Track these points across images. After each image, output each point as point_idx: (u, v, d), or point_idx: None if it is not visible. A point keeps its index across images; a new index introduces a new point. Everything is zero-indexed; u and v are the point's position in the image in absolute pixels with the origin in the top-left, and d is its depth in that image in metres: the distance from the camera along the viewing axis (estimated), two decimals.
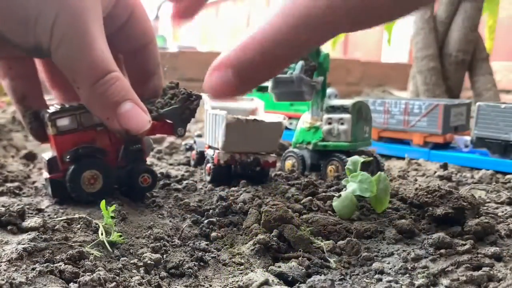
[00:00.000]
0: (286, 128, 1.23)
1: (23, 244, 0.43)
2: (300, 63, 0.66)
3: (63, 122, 0.55)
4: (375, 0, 0.41)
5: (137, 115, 0.52)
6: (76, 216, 0.51)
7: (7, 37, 0.50)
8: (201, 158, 0.81)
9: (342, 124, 0.72)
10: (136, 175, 0.60)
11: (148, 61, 0.60)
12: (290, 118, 1.23)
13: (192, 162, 0.84)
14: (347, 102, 0.74)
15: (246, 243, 0.49)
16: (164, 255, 0.45)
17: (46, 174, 0.59)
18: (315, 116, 0.75)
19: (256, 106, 0.75)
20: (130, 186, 0.60)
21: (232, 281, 0.42)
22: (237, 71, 0.43)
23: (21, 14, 0.46)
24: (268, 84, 0.69)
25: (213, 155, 0.68)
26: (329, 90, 1.29)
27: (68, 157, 0.56)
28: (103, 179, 0.57)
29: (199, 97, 0.59)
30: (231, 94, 0.45)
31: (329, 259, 0.46)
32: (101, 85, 0.49)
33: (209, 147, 0.72)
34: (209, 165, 0.70)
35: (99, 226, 0.48)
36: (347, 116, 0.72)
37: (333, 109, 0.73)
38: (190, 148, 0.91)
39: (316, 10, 0.40)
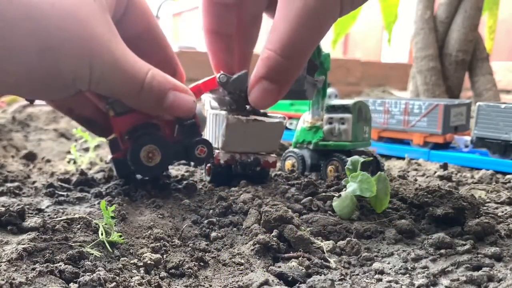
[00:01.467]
0: (286, 128, 1.23)
1: (23, 244, 0.43)
2: None
3: (120, 104, 0.58)
4: None
5: (181, 101, 0.55)
6: (76, 216, 0.51)
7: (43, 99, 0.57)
8: None
9: (343, 123, 0.72)
10: (192, 147, 0.63)
11: (155, 38, 0.61)
12: (290, 118, 1.23)
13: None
14: (348, 101, 0.74)
15: (246, 243, 0.49)
16: (164, 255, 0.45)
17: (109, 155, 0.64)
18: (315, 116, 0.75)
19: None
20: (188, 159, 0.64)
21: (232, 281, 0.42)
22: (271, 78, 0.50)
23: (58, 84, 0.48)
24: None
25: (214, 155, 0.68)
26: (329, 90, 1.29)
27: (127, 135, 0.60)
28: (161, 152, 0.61)
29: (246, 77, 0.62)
30: (274, 99, 0.52)
31: (329, 259, 0.46)
32: (142, 94, 0.52)
33: None
34: (209, 165, 0.70)
35: (99, 226, 0.48)
36: (348, 115, 0.72)
37: (334, 108, 0.73)
38: None
39: (308, 6, 0.44)
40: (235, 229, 0.53)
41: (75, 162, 0.88)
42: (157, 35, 0.61)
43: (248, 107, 0.68)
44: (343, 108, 0.73)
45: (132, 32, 0.57)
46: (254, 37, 0.63)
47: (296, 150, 0.77)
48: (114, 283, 0.38)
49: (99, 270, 0.40)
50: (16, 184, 0.66)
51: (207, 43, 0.61)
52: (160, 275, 0.42)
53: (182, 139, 0.63)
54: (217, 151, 0.68)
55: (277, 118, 0.68)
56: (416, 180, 0.80)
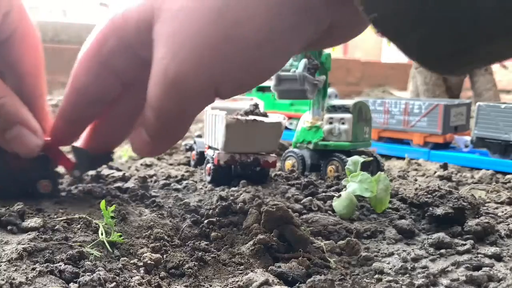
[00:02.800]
0: (286, 128, 1.23)
1: (23, 244, 0.43)
2: (304, 61, 0.66)
3: None
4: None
5: (24, 139, 0.52)
6: (76, 216, 0.51)
7: None
8: (201, 158, 0.81)
9: (343, 123, 0.72)
10: (35, 181, 0.58)
11: (31, 88, 0.56)
12: (290, 118, 1.23)
13: (192, 163, 0.84)
14: (348, 102, 0.74)
15: (246, 243, 0.49)
16: (164, 255, 0.45)
17: None
18: (316, 115, 0.75)
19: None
20: (30, 191, 0.59)
21: (232, 281, 0.42)
22: (146, 130, 0.45)
23: None
24: (271, 82, 0.69)
25: (213, 155, 0.68)
26: (329, 90, 1.29)
27: None
28: None
29: (109, 159, 0.61)
30: (150, 150, 0.48)
31: (329, 259, 0.46)
32: None
33: (209, 147, 0.72)
34: (209, 165, 0.70)
35: (99, 226, 0.48)
36: (348, 115, 0.72)
37: (334, 108, 0.73)
38: (190, 149, 0.91)
39: (167, 76, 0.40)
40: (235, 229, 0.53)
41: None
42: (33, 88, 0.56)
43: (248, 107, 0.68)
44: (344, 108, 0.73)
45: (5, 64, 0.54)
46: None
47: (296, 150, 0.77)
48: (114, 283, 0.38)
49: (99, 270, 0.40)
50: None
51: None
52: (160, 275, 0.42)
53: (29, 170, 0.58)
54: (217, 151, 0.68)
55: (276, 118, 0.68)
56: (416, 180, 0.80)
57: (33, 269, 0.39)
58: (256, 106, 0.69)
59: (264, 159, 0.69)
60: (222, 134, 0.65)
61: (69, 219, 0.51)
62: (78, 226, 0.49)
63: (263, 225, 0.51)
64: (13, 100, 0.52)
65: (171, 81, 0.40)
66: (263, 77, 0.43)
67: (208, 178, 0.71)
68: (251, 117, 0.66)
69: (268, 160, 0.69)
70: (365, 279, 0.42)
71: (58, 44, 2.23)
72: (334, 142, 0.73)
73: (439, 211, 0.53)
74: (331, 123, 0.73)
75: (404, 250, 0.48)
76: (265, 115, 0.69)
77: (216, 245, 0.50)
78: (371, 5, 0.30)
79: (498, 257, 0.45)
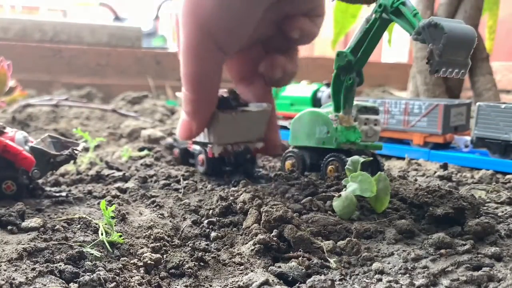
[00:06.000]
0: (286, 128, 1.23)
1: (23, 244, 0.43)
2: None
3: None
4: None
5: None
6: (76, 216, 0.51)
7: None
8: (185, 155, 0.82)
9: (375, 125, 0.72)
10: None
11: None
12: (290, 118, 1.23)
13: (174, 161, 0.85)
14: (373, 103, 0.73)
15: (246, 243, 0.49)
16: (164, 255, 0.45)
17: None
18: (351, 115, 0.71)
19: None
20: None
21: (232, 281, 0.42)
22: (184, 111, 0.61)
23: None
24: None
25: (200, 150, 0.72)
26: (328, 90, 1.28)
27: None
28: None
29: (71, 158, 0.60)
30: (190, 130, 0.64)
31: (329, 259, 0.46)
32: None
33: (194, 142, 0.75)
34: (201, 155, 0.74)
35: (99, 226, 0.48)
36: (380, 117, 0.72)
37: (366, 109, 0.73)
38: (170, 147, 0.91)
39: (184, 42, 0.57)
40: (235, 229, 0.53)
41: (75, 162, 0.88)
42: None
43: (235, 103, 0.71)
44: (373, 110, 0.72)
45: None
46: None
47: (296, 150, 0.77)
48: (114, 283, 0.38)
49: (99, 270, 0.40)
50: None
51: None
52: (160, 275, 0.42)
53: None
54: (209, 145, 0.70)
55: (261, 106, 0.71)
56: (416, 180, 0.80)
57: (33, 269, 0.39)
58: (234, 93, 0.71)
59: (253, 146, 0.72)
60: (214, 128, 0.68)
61: (69, 219, 0.51)
62: (78, 226, 0.49)
63: (263, 225, 0.51)
64: None
65: (185, 45, 0.58)
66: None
67: (201, 169, 0.73)
68: (240, 109, 0.69)
69: (257, 147, 0.73)
70: (365, 279, 0.42)
71: (58, 44, 2.23)
72: (371, 143, 0.71)
73: (439, 211, 0.53)
74: (366, 124, 0.72)
75: (404, 250, 0.48)
76: (246, 104, 0.71)
77: (216, 245, 0.50)
78: None
79: (498, 257, 0.45)
